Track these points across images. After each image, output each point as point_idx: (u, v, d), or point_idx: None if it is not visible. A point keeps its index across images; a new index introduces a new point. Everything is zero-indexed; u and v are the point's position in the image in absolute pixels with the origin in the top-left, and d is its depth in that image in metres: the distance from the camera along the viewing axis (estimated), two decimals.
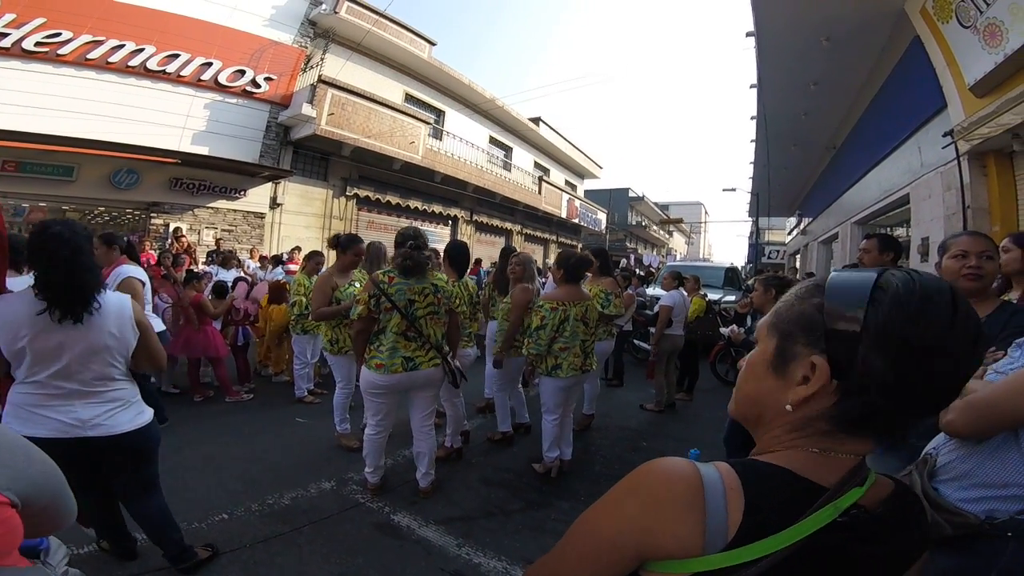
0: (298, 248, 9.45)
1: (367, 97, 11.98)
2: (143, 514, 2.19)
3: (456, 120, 16.61)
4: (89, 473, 1.99)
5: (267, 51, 11.00)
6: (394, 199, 14.03)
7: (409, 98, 14.69)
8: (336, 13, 11.72)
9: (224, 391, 4.82)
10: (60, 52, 8.57)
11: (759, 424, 0.66)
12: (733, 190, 22.76)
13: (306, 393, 4.99)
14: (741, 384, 0.68)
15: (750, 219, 22.89)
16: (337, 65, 12.05)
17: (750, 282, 12.55)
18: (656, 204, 39.13)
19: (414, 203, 14.60)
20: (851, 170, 11.83)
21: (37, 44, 8.36)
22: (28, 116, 7.98)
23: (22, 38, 8.23)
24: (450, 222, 16.59)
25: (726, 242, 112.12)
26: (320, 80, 11.04)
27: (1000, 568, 1.09)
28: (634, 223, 33.93)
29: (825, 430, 0.59)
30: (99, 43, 8.92)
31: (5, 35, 8.12)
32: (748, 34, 8.68)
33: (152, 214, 9.90)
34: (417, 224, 12.10)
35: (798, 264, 20.10)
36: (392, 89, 13.93)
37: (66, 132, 7.99)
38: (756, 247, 22.75)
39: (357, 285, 3.82)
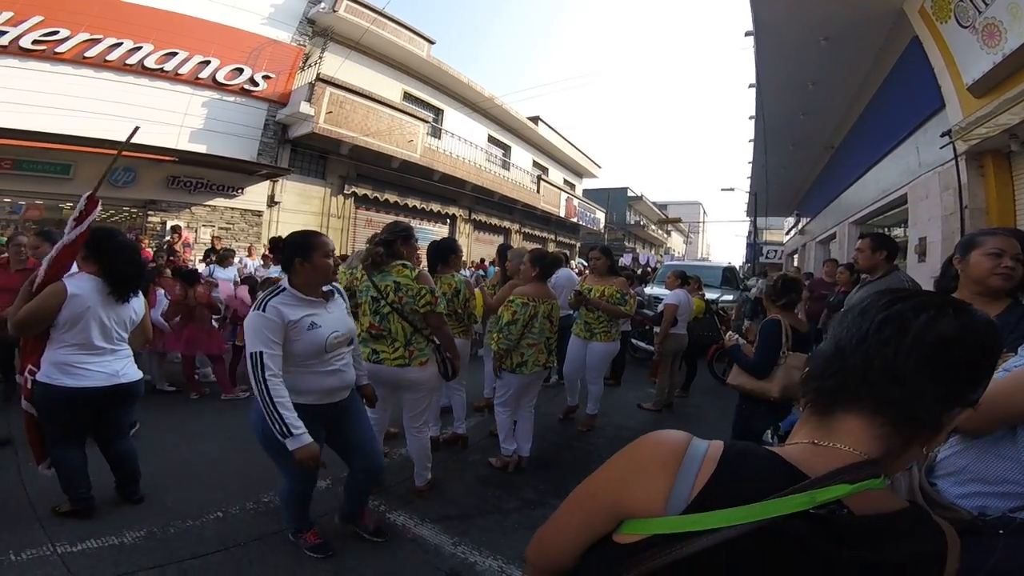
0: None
1: (365, 95, 11.96)
2: (126, 450, 2.74)
3: (455, 119, 16.60)
4: (98, 417, 2.59)
5: (265, 49, 10.97)
6: (392, 197, 14.02)
7: (408, 96, 14.67)
8: (335, 11, 11.70)
9: (222, 388, 4.81)
10: (57, 50, 8.55)
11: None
12: (731, 190, 22.79)
13: None
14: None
15: (748, 219, 22.89)
16: (335, 63, 12.02)
17: (749, 282, 12.58)
18: (654, 203, 39.17)
19: (412, 201, 14.59)
20: (849, 170, 11.80)
21: (34, 42, 8.34)
22: (25, 114, 7.96)
23: (19, 36, 8.21)
24: (448, 220, 16.58)
25: (724, 241, 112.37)
26: (318, 78, 11.01)
27: (991, 565, 1.09)
28: (632, 222, 33.95)
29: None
30: (97, 41, 8.90)
31: (3, 33, 8.10)
32: (747, 33, 8.67)
33: (149, 212, 9.89)
34: (415, 222, 12.05)
35: (795, 263, 20.12)
36: (391, 87, 13.91)
37: (63, 130, 7.96)
38: (754, 247, 22.72)
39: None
